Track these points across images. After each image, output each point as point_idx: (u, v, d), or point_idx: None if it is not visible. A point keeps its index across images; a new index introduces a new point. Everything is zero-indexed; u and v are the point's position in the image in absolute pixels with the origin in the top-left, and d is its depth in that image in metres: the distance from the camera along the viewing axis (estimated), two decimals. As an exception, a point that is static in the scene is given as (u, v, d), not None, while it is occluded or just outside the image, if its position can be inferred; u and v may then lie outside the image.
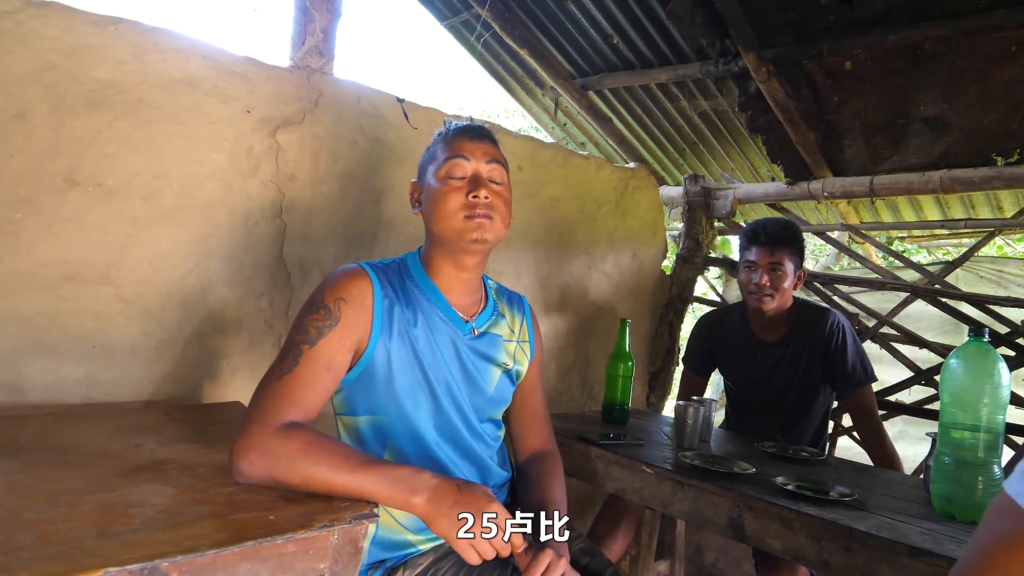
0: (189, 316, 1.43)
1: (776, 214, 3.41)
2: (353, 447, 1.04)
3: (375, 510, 0.87)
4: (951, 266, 2.73)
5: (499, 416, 1.31)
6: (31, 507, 0.76)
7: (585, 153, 2.54)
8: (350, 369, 1.10)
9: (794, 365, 2.01)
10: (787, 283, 1.97)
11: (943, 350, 2.51)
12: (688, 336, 2.38)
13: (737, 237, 2.38)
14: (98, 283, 1.31)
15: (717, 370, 2.30)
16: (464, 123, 1.25)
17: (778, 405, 2.06)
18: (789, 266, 1.97)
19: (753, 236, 2.00)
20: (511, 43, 2.98)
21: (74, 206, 1.28)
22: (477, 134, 1.21)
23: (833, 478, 1.49)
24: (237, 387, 1.48)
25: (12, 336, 1.23)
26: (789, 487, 1.33)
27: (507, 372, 1.28)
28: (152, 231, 1.38)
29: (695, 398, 1.82)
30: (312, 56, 1.68)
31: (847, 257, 5.71)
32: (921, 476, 1.61)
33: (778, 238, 1.96)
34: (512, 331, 1.31)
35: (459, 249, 1.17)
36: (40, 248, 1.25)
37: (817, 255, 6.75)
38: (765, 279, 1.95)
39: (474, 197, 1.14)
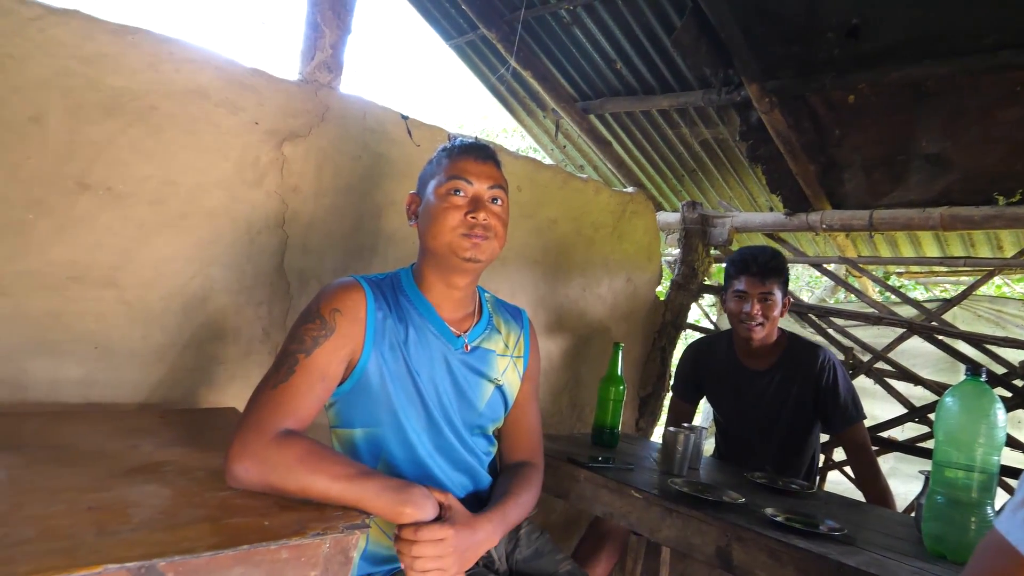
0: (189, 321, 1.44)
1: (772, 243, 3.44)
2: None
3: (367, 520, 0.88)
4: (949, 304, 2.76)
5: (491, 431, 1.32)
6: (33, 502, 0.77)
7: (584, 176, 2.57)
8: (344, 381, 1.11)
9: (781, 397, 2.03)
10: (776, 312, 1.99)
11: (938, 388, 2.52)
12: (677, 363, 2.40)
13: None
14: (103, 285, 1.33)
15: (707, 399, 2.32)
16: (470, 141, 1.26)
17: (765, 436, 2.07)
18: (778, 295, 1.99)
19: (743, 266, 2.01)
20: (515, 64, 3.03)
21: (85, 209, 1.30)
22: (482, 155, 1.22)
23: (823, 512, 1.49)
24: (232, 393, 1.49)
25: (18, 334, 1.25)
26: (779, 519, 1.32)
27: (499, 388, 1.28)
28: (158, 236, 1.40)
29: (685, 425, 1.82)
30: (320, 71, 1.71)
31: (843, 291, 5.75)
32: (912, 514, 1.61)
33: (769, 268, 1.98)
34: (507, 346, 1.32)
35: (451, 266, 1.18)
36: (50, 249, 1.27)
37: (813, 287, 6.77)
38: (756, 308, 1.97)
39: (472, 217, 1.16)
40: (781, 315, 2.03)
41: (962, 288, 3.35)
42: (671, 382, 2.44)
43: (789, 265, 2.28)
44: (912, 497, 2.59)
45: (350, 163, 1.74)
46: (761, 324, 1.97)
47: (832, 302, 5.14)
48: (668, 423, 2.25)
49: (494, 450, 1.33)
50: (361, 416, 1.14)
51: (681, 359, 2.36)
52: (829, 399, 1.98)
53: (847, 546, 1.25)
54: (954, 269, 3.90)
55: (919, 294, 6.74)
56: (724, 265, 2.58)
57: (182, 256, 1.43)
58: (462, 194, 1.18)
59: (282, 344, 1.08)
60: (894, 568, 1.16)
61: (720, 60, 2.53)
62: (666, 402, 2.90)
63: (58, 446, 1.01)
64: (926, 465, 2.75)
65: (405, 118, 1.88)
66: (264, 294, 1.56)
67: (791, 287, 3.31)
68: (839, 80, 2.41)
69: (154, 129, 1.39)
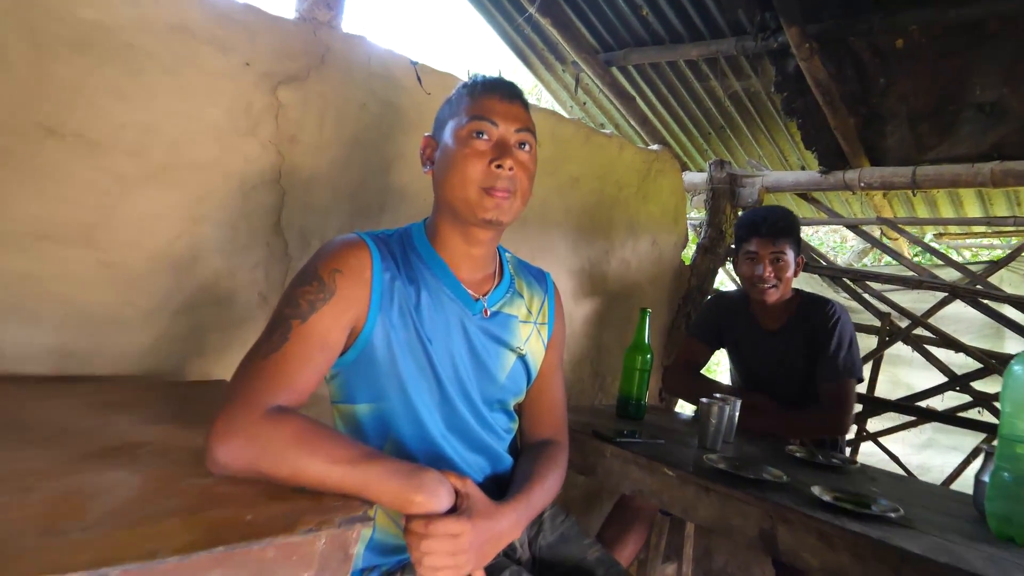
0: (177, 285, 1.31)
1: (804, 204, 3.26)
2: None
3: (369, 512, 0.76)
4: (995, 266, 2.57)
5: (512, 406, 1.19)
6: (-29, 493, 0.65)
7: (608, 132, 2.40)
8: (347, 350, 0.99)
9: (792, 357, 1.94)
10: (789, 272, 1.92)
11: (982, 355, 2.37)
12: (700, 309, 2.33)
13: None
14: (78, 244, 1.20)
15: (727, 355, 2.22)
16: (495, 78, 1.10)
17: (780, 399, 1.97)
18: (790, 255, 1.92)
19: (753, 227, 1.94)
20: (534, 12, 2.82)
21: (52, 158, 1.16)
22: (509, 93, 1.06)
23: (871, 489, 1.38)
24: (225, 364, 1.37)
25: (-18, 298, 1.12)
26: (826, 498, 1.21)
27: (522, 358, 1.15)
28: (140, 190, 1.26)
29: (719, 395, 1.70)
30: (319, 8, 1.55)
31: (872, 255, 5.52)
32: (971, 493, 1.49)
33: (779, 228, 1.91)
34: (530, 311, 1.18)
35: (464, 220, 1.05)
36: (13, 203, 1.13)
37: (839, 252, 6.50)
38: (769, 270, 1.90)
39: (498, 167, 1.00)
40: (795, 275, 1.96)
41: (996, 251, 3.16)
42: (690, 325, 2.34)
43: (819, 228, 2.15)
44: (951, 469, 2.48)
45: (355, 111, 1.59)
46: (775, 286, 1.91)
47: (858, 267, 4.93)
48: (678, 360, 2.15)
49: (515, 427, 1.20)
50: (366, 390, 1.02)
51: (705, 305, 2.32)
52: (821, 348, 1.88)
53: (906, 529, 1.13)
54: (997, 230, 3.68)
55: (953, 257, 6.48)
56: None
57: (168, 213, 1.29)
58: (486, 137, 1.03)
59: (275, 308, 0.95)
60: (963, 554, 1.04)
61: (757, 2, 2.32)
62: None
63: (20, 424, 0.89)
64: (966, 436, 2.62)
65: (415, 64, 1.72)
66: (260, 255, 1.43)
67: (817, 250, 3.15)
68: (888, 21, 2.19)
69: (131, 69, 1.24)
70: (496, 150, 1.02)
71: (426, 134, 1.13)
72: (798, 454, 1.62)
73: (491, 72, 1.17)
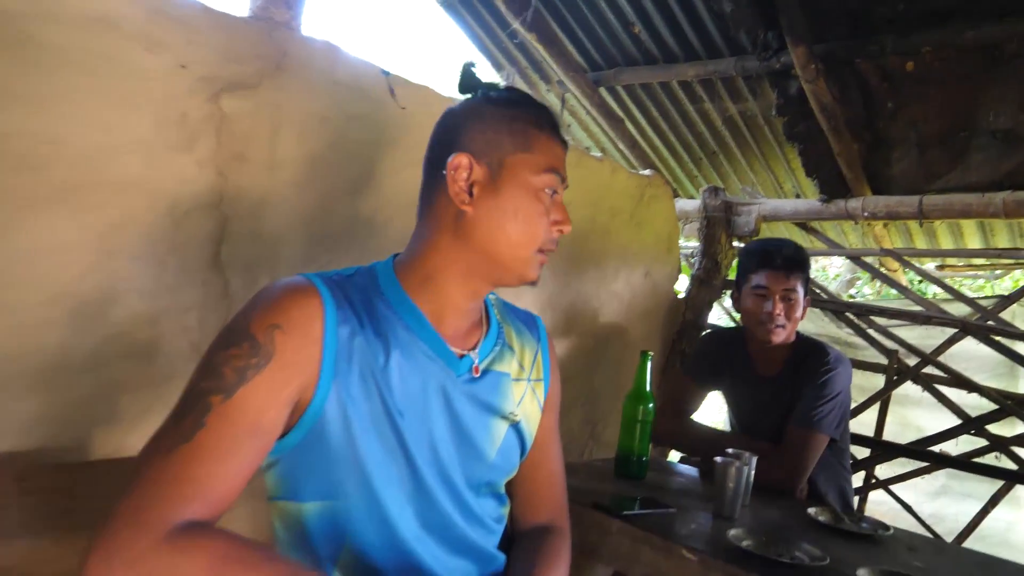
0: (82, 334, 1.05)
1: (794, 230, 3.12)
2: (291, 553, 0.70)
3: None
4: (1007, 300, 2.45)
5: (502, 488, 0.96)
6: None
7: (599, 155, 2.22)
8: (289, 431, 0.75)
9: (787, 405, 1.75)
10: (799, 313, 1.75)
11: (996, 395, 2.21)
12: (696, 346, 2.18)
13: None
14: (-53, 285, 0.94)
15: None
16: (553, 112, 0.95)
17: None
18: (801, 293, 1.76)
19: (766, 258, 1.75)
20: (518, 28, 2.64)
21: (-85, 176, 0.91)
22: (565, 144, 0.94)
23: (916, 565, 1.19)
24: (142, 434, 1.08)
25: None
26: None
27: (515, 426, 0.93)
28: (34, 216, 1.00)
29: (732, 451, 1.50)
30: (276, 6, 1.33)
31: (857, 287, 5.43)
32: (1006, 556, 1.31)
33: (794, 262, 1.74)
34: (522, 367, 0.97)
35: (496, 279, 0.89)
36: None
37: (823, 280, 6.40)
38: (779, 308, 1.72)
39: (559, 231, 0.90)
40: (802, 317, 1.78)
41: (976, 282, 3.04)
42: (684, 363, 2.16)
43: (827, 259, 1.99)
44: (966, 519, 2.31)
45: (316, 125, 1.36)
46: (782, 326, 1.73)
47: (847, 299, 4.82)
48: (667, 407, 1.91)
49: (506, 512, 0.97)
50: (315, 484, 0.77)
51: (700, 341, 2.18)
52: (803, 391, 1.71)
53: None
54: (993, 262, 3.60)
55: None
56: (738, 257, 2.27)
57: (72, 244, 1.04)
58: (556, 196, 0.90)
59: (190, 378, 0.71)
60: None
61: (762, 19, 2.17)
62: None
63: None
64: (982, 483, 2.45)
65: (387, 74, 1.51)
66: (193, 296, 1.18)
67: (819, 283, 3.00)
68: (901, 42, 2.07)
69: (29, 66, 0.99)
70: (560, 212, 0.90)
71: (462, 151, 0.85)
72: (821, 518, 1.43)
73: (487, 76, 0.96)
